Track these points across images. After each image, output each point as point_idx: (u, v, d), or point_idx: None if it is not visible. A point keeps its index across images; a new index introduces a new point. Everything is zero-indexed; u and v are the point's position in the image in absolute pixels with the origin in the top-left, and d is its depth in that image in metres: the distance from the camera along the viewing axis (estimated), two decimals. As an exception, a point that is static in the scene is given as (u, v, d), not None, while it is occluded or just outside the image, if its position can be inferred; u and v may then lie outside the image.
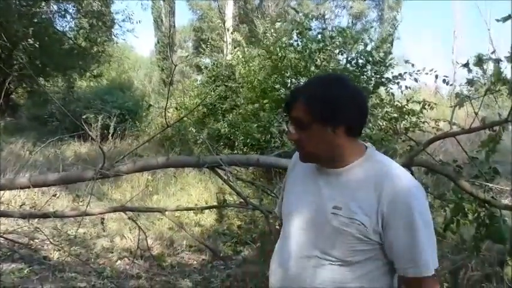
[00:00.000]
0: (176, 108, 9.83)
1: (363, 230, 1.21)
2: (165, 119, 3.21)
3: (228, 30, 11.27)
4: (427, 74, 5.36)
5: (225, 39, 10.39)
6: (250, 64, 8.12)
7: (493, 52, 2.41)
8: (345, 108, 1.23)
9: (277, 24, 8.19)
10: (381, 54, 6.41)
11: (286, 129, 1.33)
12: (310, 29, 6.73)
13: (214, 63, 10.00)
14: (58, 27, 12.04)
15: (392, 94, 6.06)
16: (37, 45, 9.86)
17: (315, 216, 1.29)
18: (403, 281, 1.28)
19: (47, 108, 11.46)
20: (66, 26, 12.57)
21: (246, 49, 8.89)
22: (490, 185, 2.67)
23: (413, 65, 5.58)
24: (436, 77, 4.31)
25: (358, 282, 1.26)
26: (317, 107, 1.23)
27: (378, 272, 1.28)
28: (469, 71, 2.49)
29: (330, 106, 1.23)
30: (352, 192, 1.25)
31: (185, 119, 8.41)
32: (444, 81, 3.84)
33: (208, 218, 5.52)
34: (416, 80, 5.60)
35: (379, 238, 1.23)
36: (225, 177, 3.21)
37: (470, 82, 2.55)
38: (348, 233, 1.22)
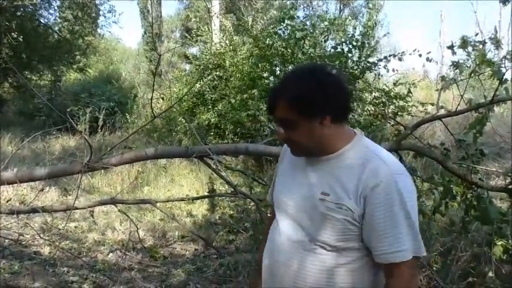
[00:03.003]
0: (162, 99, 9.76)
1: (350, 214, 1.22)
2: (152, 109, 3.17)
3: (214, 14, 11.14)
4: (410, 54, 5.39)
5: (212, 28, 10.24)
6: (239, 53, 8.07)
7: (477, 34, 2.40)
8: (326, 98, 1.23)
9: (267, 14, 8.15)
10: (366, 40, 6.40)
11: (275, 129, 1.32)
12: (293, 18, 6.70)
13: (202, 52, 9.90)
14: (42, 20, 11.86)
15: (379, 74, 6.07)
16: (21, 39, 9.70)
17: (304, 203, 1.30)
18: (382, 267, 1.28)
19: (33, 103, 11.31)
20: (50, 18, 12.41)
21: (233, 37, 8.80)
22: (477, 167, 2.69)
23: (395, 51, 5.62)
24: (420, 56, 4.32)
25: (346, 268, 1.27)
26: (299, 104, 1.23)
27: (366, 258, 1.29)
28: (454, 53, 2.50)
29: (312, 100, 1.22)
30: (339, 178, 1.26)
31: (174, 109, 8.35)
32: (428, 59, 3.85)
33: (200, 208, 5.52)
34: (400, 59, 5.61)
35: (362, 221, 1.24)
36: (214, 167, 3.20)
37: (455, 65, 2.55)
38: (336, 219, 1.23)
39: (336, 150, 1.29)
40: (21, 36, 9.72)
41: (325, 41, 6.75)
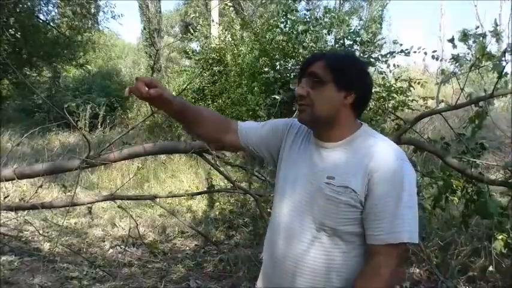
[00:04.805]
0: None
1: (355, 197, 1.24)
2: (150, 105, 3.14)
3: (215, 7, 11.07)
4: (415, 52, 5.36)
5: (210, 23, 10.20)
6: (240, 47, 8.02)
7: (478, 27, 2.39)
8: (361, 81, 1.33)
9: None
10: (369, 35, 6.37)
11: (297, 86, 1.36)
12: (296, 11, 6.65)
13: (202, 47, 9.84)
14: (41, 16, 11.82)
15: (381, 72, 6.03)
16: (19, 36, 9.66)
17: (309, 187, 1.32)
18: (370, 249, 1.27)
19: (33, 99, 11.30)
20: (49, 14, 12.35)
21: (236, 31, 8.72)
22: (477, 161, 2.68)
23: (401, 45, 5.58)
24: (425, 54, 4.30)
25: (346, 253, 1.29)
26: (338, 68, 1.30)
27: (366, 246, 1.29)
28: (454, 46, 2.48)
29: (349, 72, 1.30)
30: (345, 163, 1.29)
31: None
32: (433, 57, 3.82)
33: (200, 204, 5.52)
34: (407, 54, 5.55)
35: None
36: (213, 162, 3.20)
37: (455, 58, 2.54)
38: (341, 201, 1.25)
39: (342, 137, 1.33)
40: (20, 33, 9.68)
41: (328, 34, 6.69)
